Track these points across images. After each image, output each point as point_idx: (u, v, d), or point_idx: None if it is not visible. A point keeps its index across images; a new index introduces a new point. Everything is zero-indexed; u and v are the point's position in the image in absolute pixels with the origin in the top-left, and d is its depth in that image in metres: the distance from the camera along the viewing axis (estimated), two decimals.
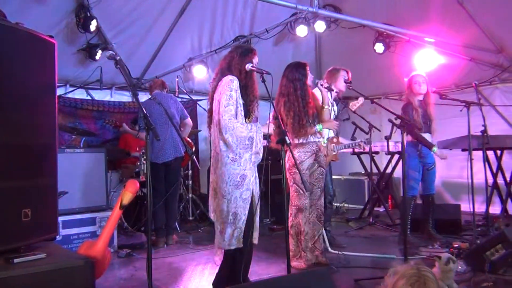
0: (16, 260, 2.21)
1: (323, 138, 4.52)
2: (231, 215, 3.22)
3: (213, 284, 3.55)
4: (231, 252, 3.28)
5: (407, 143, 5.03)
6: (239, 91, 3.29)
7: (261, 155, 3.31)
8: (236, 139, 3.20)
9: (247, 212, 3.25)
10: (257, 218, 3.40)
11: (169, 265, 4.44)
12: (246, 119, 3.39)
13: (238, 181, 3.22)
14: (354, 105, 5.04)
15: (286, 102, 4.16)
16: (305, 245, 4.20)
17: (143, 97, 6.99)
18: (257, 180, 3.42)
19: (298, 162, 4.11)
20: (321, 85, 4.23)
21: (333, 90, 4.29)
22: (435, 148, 4.93)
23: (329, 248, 4.66)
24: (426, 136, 5.00)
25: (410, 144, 5.00)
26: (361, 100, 4.98)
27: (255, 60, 3.48)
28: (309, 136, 4.22)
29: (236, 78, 3.31)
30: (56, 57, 2.66)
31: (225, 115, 3.17)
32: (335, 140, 4.71)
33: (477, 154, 5.16)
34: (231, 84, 3.24)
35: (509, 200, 6.37)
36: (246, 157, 3.23)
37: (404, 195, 3.98)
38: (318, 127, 4.24)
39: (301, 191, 4.14)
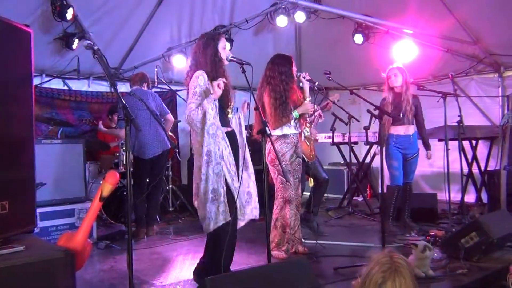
0: None
1: (305, 131, 4.56)
2: (210, 193, 3.25)
3: (194, 272, 3.58)
4: (214, 236, 3.32)
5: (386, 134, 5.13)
6: (208, 84, 3.31)
7: (217, 123, 3.31)
8: (197, 123, 3.25)
9: (224, 185, 3.28)
10: (249, 191, 3.47)
11: (149, 256, 4.44)
12: (226, 110, 3.45)
13: (206, 159, 3.25)
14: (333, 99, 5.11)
15: (271, 87, 4.19)
16: (291, 238, 4.24)
17: (122, 87, 6.93)
18: (231, 152, 3.37)
19: (280, 154, 4.13)
20: (303, 77, 4.25)
21: (315, 83, 4.29)
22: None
23: (303, 240, 4.65)
24: (402, 128, 5.07)
25: (389, 135, 5.09)
26: (337, 96, 5.03)
27: (222, 44, 3.48)
28: (287, 124, 4.22)
29: (202, 72, 3.34)
30: (33, 47, 2.61)
31: (186, 112, 3.27)
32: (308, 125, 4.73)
33: (453, 144, 5.28)
34: (195, 81, 3.30)
35: (483, 189, 6.53)
36: (204, 132, 3.25)
37: (382, 183, 4.02)
38: (294, 114, 4.23)
39: (287, 182, 4.15)
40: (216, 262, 3.31)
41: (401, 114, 5.04)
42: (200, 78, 3.30)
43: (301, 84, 4.41)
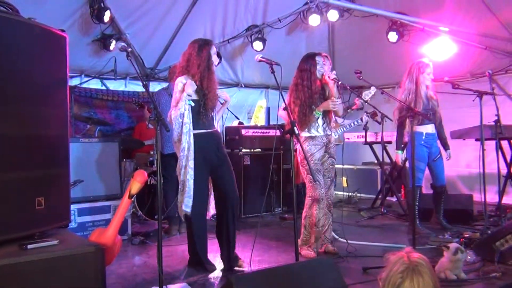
0: (29, 246, 2.31)
1: (335, 132, 4.56)
2: (180, 185, 3.64)
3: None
4: (188, 219, 3.75)
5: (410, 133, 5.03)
6: (187, 90, 3.60)
7: (189, 122, 3.62)
8: (174, 124, 3.61)
9: (192, 179, 3.61)
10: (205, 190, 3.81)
11: (181, 252, 4.51)
12: (204, 112, 3.72)
13: (182, 154, 3.64)
14: (367, 95, 5.03)
15: (295, 92, 4.25)
16: (318, 236, 4.25)
17: (157, 86, 7.08)
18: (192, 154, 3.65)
19: (308, 154, 4.15)
20: (328, 76, 4.23)
21: (338, 81, 4.25)
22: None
23: (337, 237, 4.69)
24: (429, 127, 4.98)
25: (415, 134, 4.98)
26: (373, 89, 4.98)
27: (213, 50, 3.78)
28: (314, 126, 4.24)
29: (182, 78, 3.67)
30: (68, 51, 2.72)
31: (169, 113, 3.66)
32: (333, 125, 4.72)
33: (492, 144, 5.13)
34: (176, 87, 3.67)
35: None
36: (183, 131, 3.60)
37: (413, 186, 3.98)
38: (316, 113, 4.23)
39: (315, 182, 4.16)
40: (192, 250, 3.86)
41: (430, 112, 4.94)
42: (179, 84, 3.65)
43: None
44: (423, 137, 4.96)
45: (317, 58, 4.26)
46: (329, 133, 4.34)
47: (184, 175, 3.63)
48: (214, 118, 3.89)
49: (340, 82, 4.22)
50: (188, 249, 3.94)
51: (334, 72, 4.29)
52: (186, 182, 3.61)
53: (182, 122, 3.59)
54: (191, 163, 3.61)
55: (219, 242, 3.91)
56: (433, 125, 5.03)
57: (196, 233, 3.76)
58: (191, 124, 3.64)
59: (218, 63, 3.88)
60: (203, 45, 3.74)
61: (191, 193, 3.63)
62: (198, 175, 3.66)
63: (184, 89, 3.60)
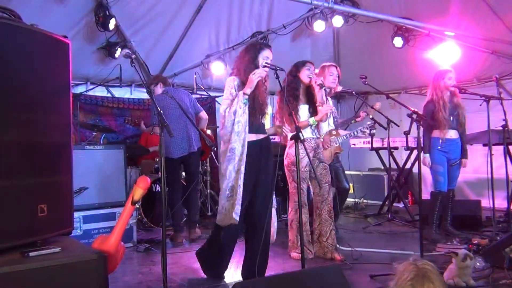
0: (31, 254, 2.29)
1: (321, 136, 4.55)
2: (228, 190, 3.38)
3: (197, 252, 3.88)
4: (223, 227, 3.50)
5: (431, 138, 4.99)
6: (246, 90, 3.41)
7: (243, 121, 3.39)
8: (228, 121, 3.39)
9: (242, 184, 3.37)
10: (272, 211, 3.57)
11: (187, 260, 4.49)
12: (257, 115, 3.55)
13: (229, 155, 3.37)
14: (370, 111, 5.05)
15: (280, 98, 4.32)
16: (306, 239, 4.28)
17: None
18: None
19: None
20: (315, 82, 4.22)
21: (323, 87, 4.24)
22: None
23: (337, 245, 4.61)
24: (451, 132, 4.93)
25: (433, 139, 4.94)
26: (377, 105, 4.98)
27: (265, 53, 3.53)
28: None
29: (235, 77, 3.51)
30: (71, 57, 2.72)
31: (221, 108, 3.50)
32: (334, 132, 4.73)
33: (500, 149, 5.07)
34: (231, 83, 3.49)
35: None
36: (234, 129, 3.37)
37: (420, 189, 3.92)
38: (311, 120, 4.24)
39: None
40: (219, 252, 3.65)
41: (451, 118, 4.91)
42: (236, 82, 3.47)
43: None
44: (440, 142, 4.91)
45: (307, 65, 4.32)
46: (317, 136, 4.38)
47: (235, 181, 3.36)
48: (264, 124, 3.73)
49: (324, 88, 4.19)
50: (203, 254, 3.83)
51: (321, 78, 4.30)
52: (238, 188, 3.35)
53: (234, 120, 3.36)
54: (243, 168, 3.36)
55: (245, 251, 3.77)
56: (455, 131, 4.97)
57: (226, 242, 3.60)
58: (247, 126, 3.42)
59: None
60: (249, 47, 3.62)
61: (241, 200, 3.38)
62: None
63: (246, 84, 3.39)
